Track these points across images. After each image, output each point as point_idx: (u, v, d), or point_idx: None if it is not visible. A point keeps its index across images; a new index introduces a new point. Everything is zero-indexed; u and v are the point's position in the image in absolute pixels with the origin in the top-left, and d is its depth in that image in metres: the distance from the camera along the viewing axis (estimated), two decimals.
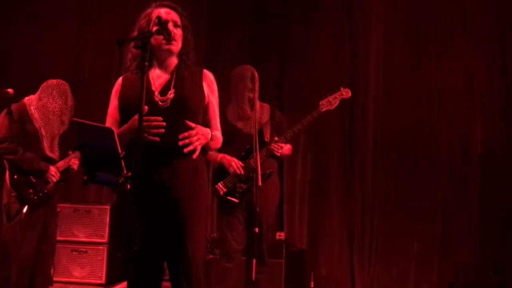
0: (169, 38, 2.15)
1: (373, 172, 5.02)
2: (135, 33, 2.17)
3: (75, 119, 2.77)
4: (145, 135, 2.01)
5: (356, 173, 5.08)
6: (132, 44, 2.16)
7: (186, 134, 2.05)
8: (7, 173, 3.31)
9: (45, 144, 3.38)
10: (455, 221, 4.74)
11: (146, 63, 1.95)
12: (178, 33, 2.20)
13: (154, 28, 2.09)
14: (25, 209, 3.22)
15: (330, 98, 3.49)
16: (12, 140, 3.27)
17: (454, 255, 4.66)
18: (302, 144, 5.17)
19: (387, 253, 4.87)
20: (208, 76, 2.28)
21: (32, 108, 3.36)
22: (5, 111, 3.32)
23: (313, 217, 5.15)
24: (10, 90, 3.25)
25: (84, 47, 5.64)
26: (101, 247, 4.52)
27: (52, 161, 3.43)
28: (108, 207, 4.61)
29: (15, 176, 3.27)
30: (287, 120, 3.68)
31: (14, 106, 3.33)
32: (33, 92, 3.49)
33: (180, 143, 2.05)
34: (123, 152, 1.94)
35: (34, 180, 3.30)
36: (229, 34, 5.59)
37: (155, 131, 2.03)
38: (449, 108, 4.92)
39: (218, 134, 2.27)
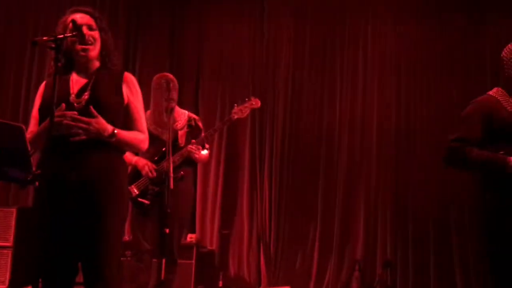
0: (83, 41, 2.20)
1: (281, 176, 5.30)
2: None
3: None
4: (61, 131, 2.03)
5: (265, 176, 5.33)
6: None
7: (75, 117, 2.07)
8: None
9: None
10: (351, 220, 5.13)
11: (59, 64, 2.00)
12: (94, 35, 2.25)
13: (69, 33, 2.16)
14: None
15: (242, 107, 3.69)
16: None
17: (350, 252, 5.04)
18: (215, 149, 5.34)
19: (291, 252, 5.16)
20: (129, 78, 2.31)
21: None
22: None
23: (224, 220, 5.32)
24: None
25: None
26: (6, 251, 4.36)
27: None
28: (14, 209, 4.47)
29: None
30: (203, 124, 3.83)
31: None
32: None
33: (65, 122, 2.06)
34: (33, 150, 1.98)
35: None
36: (148, 37, 5.65)
37: (67, 122, 2.05)
38: (347, 113, 5.32)
39: (139, 136, 2.28)
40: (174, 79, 3.58)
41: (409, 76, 5.23)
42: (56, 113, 2.03)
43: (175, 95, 3.55)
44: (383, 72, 5.29)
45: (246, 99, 3.73)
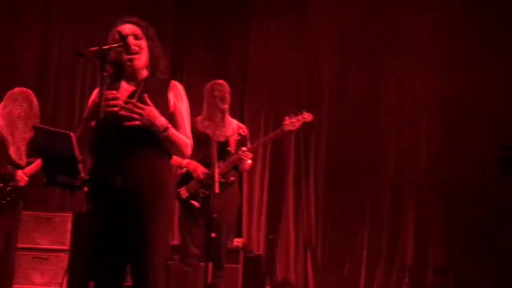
0: (128, 51, 2.26)
1: (327, 181, 5.27)
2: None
3: (35, 124, 2.87)
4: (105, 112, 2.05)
5: (311, 181, 5.31)
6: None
7: (130, 101, 2.10)
8: None
9: (12, 150, 3.42)
10: (401, 225, 5.02)
11: (105, 74, 2.08)
12: (140, 44, 2.30)
13: (115, 43, 2.23)
14: None
15: (294, 120, 3.73)
16: None
17: (400, 259, 4.93)
18: (260, 154, 5.37)
19: (339, 258, 5.11)
20: (176, 87, 2.33)
21: None
22: None
23: (270, 225, 5.33)
24: None
25: (49, 56, 5.70)
26: (62, 254, 4.54)
27: (20, 167, 3.46)
28: (70, 214, 4.65)
29: None
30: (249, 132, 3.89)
31: None
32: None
33: (120, 104, 2.08)
34: (81, 157, 2.07)
35: (1, 185, 3.34)
36: (194, 46, 5.75)
37: (112, 102, 2.08)
38: (397, 118, 5.23)
39: (186, 139, 2.29)
40: (225, 84, 3.66)
41: (457, 75, 5.07)
42: (108, 96, 2.06)
43: (226, 97, 3.61)
44: (430, 75, 5.16)
45: (298, 112, 3.75)
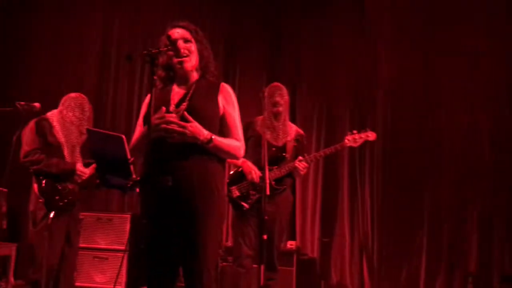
0: (178, 54, 2.31)
1: (383, 183, 5.12)
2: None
3: (88, 127, 2.96)
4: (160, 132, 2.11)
5: (366, 184, 5.18)
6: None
7: (172, 120, 2.13)
8: (34, 181, 3.52)
9: (66, 154, 3.55)
10: (462, 232, 4.78)
11: (155, 77, 2.13)
12: (189, 47, 2.34)
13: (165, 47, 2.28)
14: (51, 215, 3.39)
15: (356, 136, 3.69)
16: (35, 152, 3.48)
17: (462, 264, 4.70)
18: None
19: (396, 263, 4.93)
20: (225, 89, 2.36)
21: (54, 121, 3.56)
22: (30, 124, 3.55)
23: (324, 228, 5.24)
24: (37, 104, 3.47)
25: (108, 61, 5.92)
26: (121, 254, 4.66)
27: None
28: (128, 215, 4.80)
29: (43, 184, 3.46)
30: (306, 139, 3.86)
31: (38, 120, 3.55)
32: (56, 103, 3.72)
33: (163, 125, 2.12)
34: (132, 158, 2.13)
35: (60, 187, 3.49)
36: (246, 50, 5.77)
37: (165, 126, 2.13)
38: (456, 122, 5.00)
39: (235, 143, 2.31)
40: (283, 87, 3.67)
41: None
42: (156, 115, 2.13)
43: (282, 100, 3.61)
44: (492, 74, 4.90)
45: (362, 130, 3.69)
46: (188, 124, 2.16)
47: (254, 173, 3.52)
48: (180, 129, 2.14)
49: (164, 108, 2.17)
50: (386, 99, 5.25)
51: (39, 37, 5.99)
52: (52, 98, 3.70)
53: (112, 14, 6.02)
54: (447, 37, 5.13)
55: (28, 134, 3.54)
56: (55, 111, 3.64)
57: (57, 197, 3.44)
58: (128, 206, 5.55)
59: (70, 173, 3.50)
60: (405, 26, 5.32)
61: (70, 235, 3.57)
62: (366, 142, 3.75)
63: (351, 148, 3.77)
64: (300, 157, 3.57)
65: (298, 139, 3.70)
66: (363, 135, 3.68)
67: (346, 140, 3.66)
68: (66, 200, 3.47)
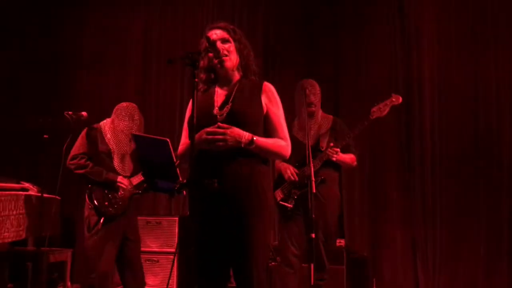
0: (217, 55, 2.32)
1: (433, 177, 4.95)
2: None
3: (134, 132, 3.00)
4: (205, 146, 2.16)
5: (416, 178, 5.02)
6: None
7: (211, 130, 2.16)
8: (86, 188, 3.63)
9: (116, 162, 3.65)
10: None
11: (196, 79, 2.13)
12: (228, 48, 2.34)
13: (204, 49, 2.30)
14: (102, 220, 3.50)
15: (381, 105, 3.55)
16: (82, 156, 3.60)
17: None
18: (360, 150, 5.19)
19: (452, 260, 4.77)
20: (268, 88, 2.35)
21: (106, 129, 3.68)
22: (83, 132, 3.68)
23: (374, 224, 5.12)
24: (84, 113, 3.60)
25: (150, 66, 6.02)
26: (171, 257, 4.73)
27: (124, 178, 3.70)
28: (176, 218, 4.87)
29: (93, 191, 3.58)
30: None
31: (90, 129, 3.67)
32: (103, 113, 3.83)
33: (203, 137, 2.15)
34: (178, 161, 2.14)
35: (109, 194, 3.59)
36: (284, 45, 5.71)
37: (205, 140, 2.16)
38: (508, 105, 4.78)
39: (281, 143, 2.30)
40: (314, 83, 3.59)
41: None
42: (207, 130, 2.16)
43: (313, 99, 3.56)
44: None
45: (386, 96, 3.56)
46: (227, 131, 2.17)
47: (289, 171, 3.49)
48: (221, 137, 2.15)
49: (208, 130, 2.18)
50: (432, 96, 5.07)
51: (82, 45, 6.17)
52: (96, 105, 3.84)
53: (152, 19, 6.11)
54: (495, 32, 4.92)
55: (79, 139, 3.68)
56: (108, 119, 3.76)
57: (106, 203, 3.54)
58: (175, 209, 5.64)
59: (111, 184, 3.60)
60: (450, 20, 5.13)
61: (128, 239, 3.66)
62: (398, 111, 3.58)
63: (378, 119, 3.56)
64: (331, 143, 3.49)
65: (333, 127, 3.64)
66: (387, 101, 3.54)
67: (371, 113, 3.53)
68: (115, 206, 3.56)
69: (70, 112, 3.56)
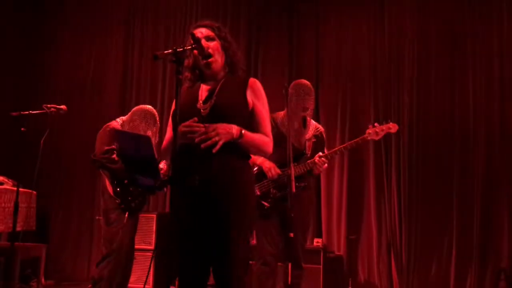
0: (202, 52, 2.29)
1: (410, 177, 5.03)
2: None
3: (116, 128, 2.97)
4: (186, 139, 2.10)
5: (393, 178, 5.09)
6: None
7: (202, 129, 2.10)
8: (107, 183, 3.55)
9: None
10: (494, 225, 4.67)
11: (180, 76, 2.12)
12: (213, 45, 2.32)
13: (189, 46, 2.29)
14: (126, 215, 3.47)
15: (378, 129, 3.55)
16: (112, 152, 3.51)
17: (493, 260, 4.59)
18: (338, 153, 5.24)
19: (425, 259, 4.85)
20: (254, 84, 2.33)
21: (125, 128, 3.56)
22: (106, 128, 3.59)
23: (351, 224, 5.17)
24: (63, 107, 3.55)
25: (131, 61, 5.98)
26: (148, 254, 4.74)
27: None
28: (154, 215, 4.85)
29: (118, 186, 3.50)
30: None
31: (108, 125, 3.61)
32: (82, 103, 3.76)
33: (197, 139, 2.09)
34: (161, 158, 2.12)
35: (132, 189, 3.52)
36: (268, 46, 5.74)
37: (191, 135, 2.12)
38: (482, 104, 4.90)
39: (265, 138, 2.29)
40: (311, 87, 3.57)
41: None
42: (184, 124, 2.12)
43: (311, 104, 3.56)
44: None
45: (384, 121, 3.60)
46: (217, 126, 2.13)
47: (273, 170, 3.49)
48: (214, 134, 2.11)
49: (196, 119, 2.15)
50: (411, 89, 5.16)
51: (62, 39, 6.09)
52: (75, 100, 3.77)
53: (134, 16, 6.07)
54: (474, 21, 5.02)
55: (107, 134, 3.55)
56: (124, 118, 3.68)
57: (129, 198, 3.50)
58: (153, 206, 5.61)
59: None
60: (429, 12, 5.22)
61: (134, 237, 3.68)
62: (388, 135, 3.65)
63: (373, 141, 3.64)
64: (320, 153, 3.52)
65: (317, 135, 3.62)
66: (384, 127, 3.55)
67: (367, 133, 3.54)
68: (137, 201, 3.56)
69: (49, 105, 3.51)
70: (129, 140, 2.15)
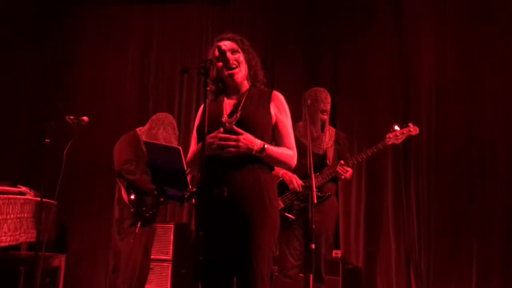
0: (227, 64, 2.35)
1: (429, 189, 4.98)
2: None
3: (146, 140, 3.01)
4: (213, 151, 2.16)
5: (412, 190, 5.05)
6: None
7: (224, 136, 2.18)
8: (123, 191, 3.64)
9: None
10: None
11: (208, 88, 2.16)
12: (237, 58, 2.38)
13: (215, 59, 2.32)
14: (139, 224, 3.54)
15: (398, 133, 3.55)
16: (131, 163, 3.62)
17: None
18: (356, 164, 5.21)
19: (445, 271, 4.80)
20: (277, 97, 2.38)
21: (143, 136, 3.70)
22: (127, 138, 3.71)
23: (369, 236, 5.14)
24: (85, 118, 3.60)
25: (148, 75, 6.02)
26: (166, 264, 4.75)
27: None
28: (172, 225, 4.86)
29: (133, 195, 3.60)
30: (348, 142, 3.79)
31: (129, 135, 3.73)
32: (103, 116, 3.82)
33: (216, 142, 2.17)
34: (189, 169, 2.15)
35: (147, 199, 3.63)
36: (284, 58, 5.72)
37: (217, 145, 2.18)
38: (504, 116, 4.86)
39: (288, 152, 2.32)
40: (327, 92, 3.60)
41: None
42: (210, 135, 2.18)
43: (328, 107, 3.56)
44: None
45: (404, 124, 3.58)
46: (240, 137, 2.19)
47: (295, 182, 3.47)
48: (234, 143, 2.17)
49: (222, 129, 2.20)
50: (430, 95, 5.12)
51: (81, 53, 6.16)
52: (95, 112, 3.81)
53: (150, 33, 6.12)
54: (490, 29, 5.01)
55: (123, 145, 3.69)
56: (142, 128, 3.80)
57: (144, 208, 3.58)
58: (170, 216, 5.61)
59: (151, 193, 3.63)
60: (445, 19, 5.21)
61: (148, 247, 3.71)
62: (409, 137, 3.62)
63: (394, 146, 3.61)
64: (342, 161, 3.51)
65: (338, 141, 3.64)
66: (405, 130, 3.55)
67: (387, 138, 3.55)
68: (151, 212, 3.58)
69: (71, 117, 3.56)
70: (159, 152, 2.18)
